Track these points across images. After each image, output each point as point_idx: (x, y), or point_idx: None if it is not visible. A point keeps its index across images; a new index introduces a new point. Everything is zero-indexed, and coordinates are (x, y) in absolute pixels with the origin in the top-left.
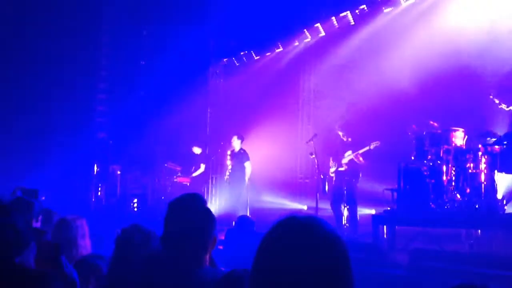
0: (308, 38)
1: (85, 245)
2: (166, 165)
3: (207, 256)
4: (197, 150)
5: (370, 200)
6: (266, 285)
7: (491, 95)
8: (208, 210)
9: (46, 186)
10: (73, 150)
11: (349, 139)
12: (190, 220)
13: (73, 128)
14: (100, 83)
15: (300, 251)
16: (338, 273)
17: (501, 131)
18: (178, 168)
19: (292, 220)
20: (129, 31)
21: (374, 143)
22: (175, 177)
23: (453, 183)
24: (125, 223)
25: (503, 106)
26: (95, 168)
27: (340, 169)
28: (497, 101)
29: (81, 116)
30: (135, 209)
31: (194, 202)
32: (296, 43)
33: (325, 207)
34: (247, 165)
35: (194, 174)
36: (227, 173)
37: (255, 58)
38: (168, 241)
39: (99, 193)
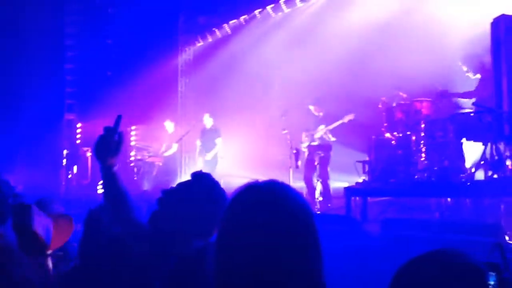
0: (278, 12)
1: None
2: (137, 145)
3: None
4: (169, 126)
5: (343, 173)
6: (232, 251)
7: (459, 61)
8: (216, 192)
9: (14, 170)
10: (42, 132)
11: (321, 114)
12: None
13: (42, 110)
14: (67, 63)
15: (263, 216)
16: (303, 233)
17: (469, 100)
18: (150, 148)
19: (254, 186)
20: (94, 9)
21: (348, 116)
22: (147, 156)
23: (423, 153)
24: (96, 205)
25: (470, 74)
26: (65, 150)
27: (312, 143)
28: (465, 69)
29: (49, 99)
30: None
31: (202, 184)
32: (265, 16)
33: (298, 181)
34: (218, 141)
35: (166, 154)
36: (197, 151)
37: (225, 33)
38: (163, 221)
39: (69, 176)
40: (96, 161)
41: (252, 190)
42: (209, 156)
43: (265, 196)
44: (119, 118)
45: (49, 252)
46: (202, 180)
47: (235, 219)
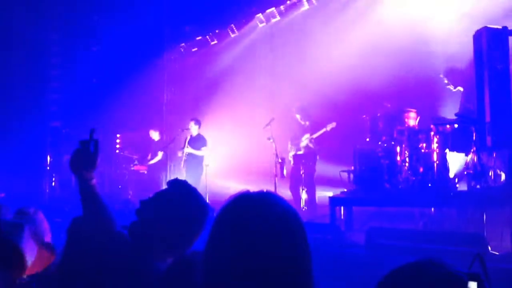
0: (263, 22)
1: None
2: (122, 153)
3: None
4: (154, 135)
5: (328, 183)
6: (222, 263)
7: (441, 74)
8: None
9: None
10: (26, 139)
11: (307, 123)
12: (187, 210)
13: (25, 117)
14: (52, 70)
15: (255, 226)
16: (292, 246)
17: (451, 111)
18: (135, 156)
19: (246, 196)
20: (80, 16)
21: (330, 124)
22: (132, 165)
23: (407, 163)
24: (81, 213)
25: (451, 87)
26: (48, 158)
27: (298, 152)
28: (446, 81)
29: (33, 105)
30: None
31: (194, 193)
32: (251, 26)
33: (284, 191)
34: (204, 150)
35: (152, 162)
36: (183, 160)
37: (211, 43)
38: (148, 227)
39: (53, 184)
40: (73, 175)
41: (244, 200)
42: (188, 150)
43: (256, 206)
44: (92, 131)
45: (24, 276)
46: (178, 188)
47: (226, 228)
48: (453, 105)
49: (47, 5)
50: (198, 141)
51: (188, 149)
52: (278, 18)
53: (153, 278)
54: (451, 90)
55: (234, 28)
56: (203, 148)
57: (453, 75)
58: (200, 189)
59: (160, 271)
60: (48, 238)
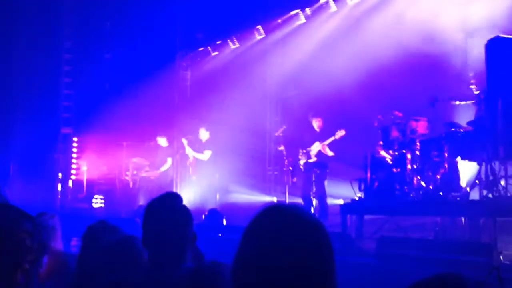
0: (274, 31)
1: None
2: (133, 160)
3: (187, 253)
4: (161, 141)
5: (339, 191)
6: (251, 275)
7: (471, 72)
8: (186, 208)
9: (9, 183)
10: (38, 146)
11: (318, 130)
12: (169, 219)
13: (37, 124)
14: (64, 77)
15: (285, 239)
16: (322, 259)
17: (462, 122)
18: (146, 163)
19: (275, 209)
20: (92, 23)
21: (339, 132)
22: (142, 172)
23: (418, 172)
24: (92, 219)
25: (473, 87)
26: (61, 164)
27: (309, 160)
28: (472, 81)
29: (45, 112)
30: (102, 205)
31: (171, 202)
32: (263, 36)
33: (295, 199)
34: (206, 153)
35: (162, 169)
36: (189, 167)
37: (222, 50)
38: (148, 240)
39: (64, 189)
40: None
41: (274, 211)
42: (189, 152)
43: (287, 219)
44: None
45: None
46: (159, 203)
47: (256, 240)
48: (465, 115)
49: (60, 12)
50: (204, 146)
51: (189, 151)
52: (294, 24)
53: (170, 285)
54: (473, 91)
55: (246, 36)
56: (205, 152)
57: (479, 78)
58: (211, 196)
59: (176, 279)
60: (59, 245)
